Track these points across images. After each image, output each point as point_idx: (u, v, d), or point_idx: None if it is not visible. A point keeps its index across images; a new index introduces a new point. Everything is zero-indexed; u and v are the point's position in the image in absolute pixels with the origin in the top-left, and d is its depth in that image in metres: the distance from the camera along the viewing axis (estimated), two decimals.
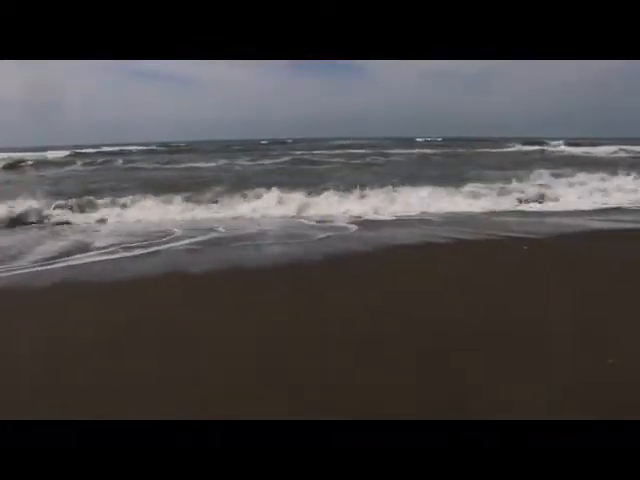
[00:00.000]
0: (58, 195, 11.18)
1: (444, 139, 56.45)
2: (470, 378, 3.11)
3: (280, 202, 10.49)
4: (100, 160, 25.58)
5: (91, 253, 6.62)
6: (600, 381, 3.03)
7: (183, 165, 23.12)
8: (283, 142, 55.75)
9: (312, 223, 8.99)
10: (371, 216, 9.69)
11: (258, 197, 10.89)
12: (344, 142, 47.90)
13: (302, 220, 9.33)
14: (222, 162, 24.16)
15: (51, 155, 30.44)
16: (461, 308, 4.35)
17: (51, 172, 20.79)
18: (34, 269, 5.77)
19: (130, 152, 33.12)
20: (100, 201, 10.49)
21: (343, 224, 8.77)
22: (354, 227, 8.48)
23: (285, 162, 24.26)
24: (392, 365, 3.30)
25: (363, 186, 11.63)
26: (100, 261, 6.20)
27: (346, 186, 11.82)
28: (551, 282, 5.11)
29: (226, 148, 38.87)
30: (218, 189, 11.66)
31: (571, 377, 3.10)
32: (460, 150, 33.78)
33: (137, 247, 6.94)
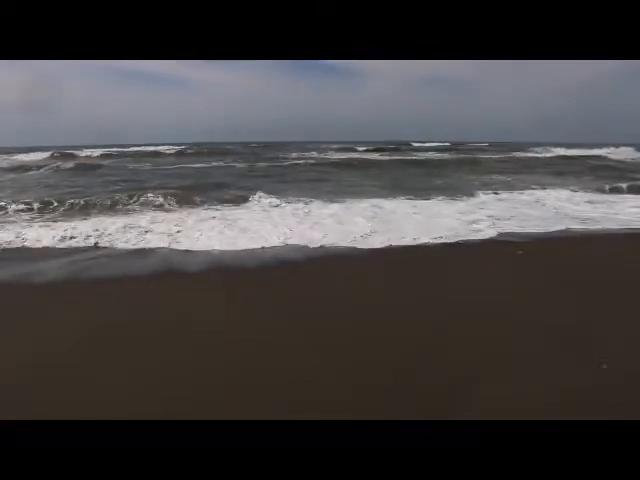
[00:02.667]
0: None
1: (452, 143, 54.61)
2: (467, 378, 3.11)
3: None
4: (71, 164, 23.84)
5: None
6: (595, 383, 3.04)
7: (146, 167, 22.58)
8: (279, 144, 55.98)
9: None
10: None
11: None
12: (334, 146, 47.70)
13: None
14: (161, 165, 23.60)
15: (32, 157, 29.53)
16: (458, 310, 4.35)
17: None
18: None
19: (112, 154, 32.91)
20: None
21: None
22: None
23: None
24: (391, 365, 3.30)
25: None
26: None
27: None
28: (546, 285, 5.11)
29: (216, 150, 38.88)
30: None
31: (568, 378, 3.11)
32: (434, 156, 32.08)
33: None
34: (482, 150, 40.90)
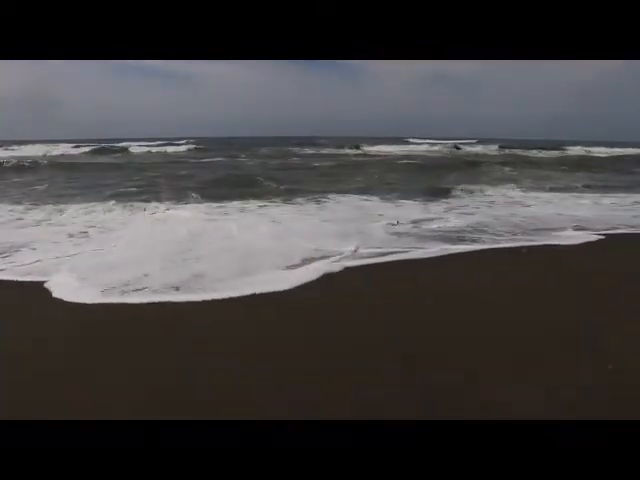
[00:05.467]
0: None
1: (478, 140, 51.45)
2: (468, 378, 3.11)
3: None
4: (29, 162, 21.86)
5: None
6: (597, 383, 3.03)
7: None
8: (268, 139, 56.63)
9: None
10: None
11: None
12: (323, 141, 47.14)
13: None
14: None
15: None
16: (460, 310, 4.35)
17: None
18: None
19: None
20: None
21: None
22: None
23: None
24: (392, 366, 3.30)
25: None
26: None
27: None
28: (548, 286, 5.11)
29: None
30: None
31: (569, 378, 3.11)
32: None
33: None
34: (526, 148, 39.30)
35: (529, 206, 10.33)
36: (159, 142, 42.81)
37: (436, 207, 10.11)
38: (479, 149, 37.14)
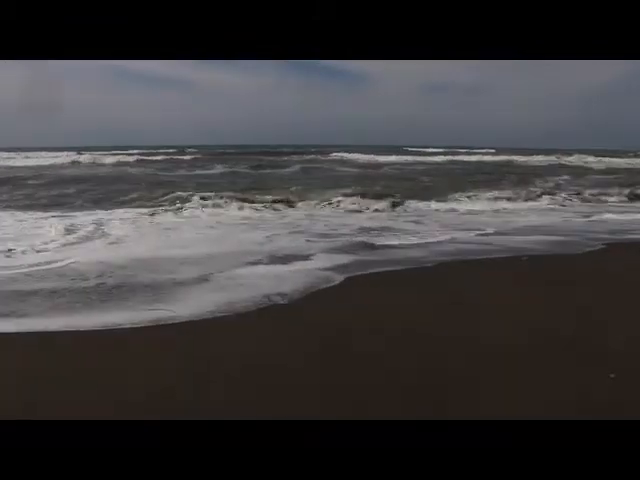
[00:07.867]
0: None
1: (497, 150, 48.91)
2: (469, 380, 3.11)
3: None
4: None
5: None
6: (597, 383, 3.04)
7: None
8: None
9: None
10: None
11: None
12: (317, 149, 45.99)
13: None
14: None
15: None
16: (463, 316, 4.36)
17: None
18: None
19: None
20: None
21: None
22: None
23: None
24: (392, 366, 3.31)
25: None
26: None
27: None
28: (548, 293, 5.09)
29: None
30: None
31: (568, 379, 3.11)
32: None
33: None
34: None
35: None
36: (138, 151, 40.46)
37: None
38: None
